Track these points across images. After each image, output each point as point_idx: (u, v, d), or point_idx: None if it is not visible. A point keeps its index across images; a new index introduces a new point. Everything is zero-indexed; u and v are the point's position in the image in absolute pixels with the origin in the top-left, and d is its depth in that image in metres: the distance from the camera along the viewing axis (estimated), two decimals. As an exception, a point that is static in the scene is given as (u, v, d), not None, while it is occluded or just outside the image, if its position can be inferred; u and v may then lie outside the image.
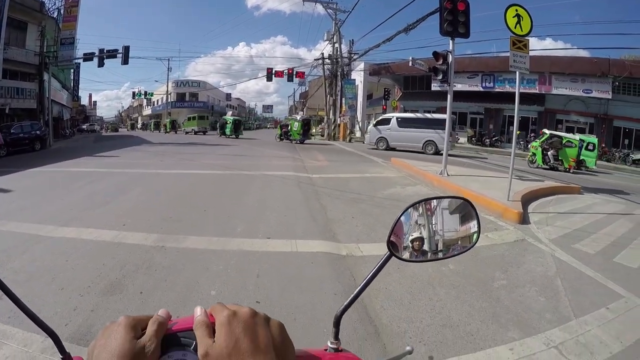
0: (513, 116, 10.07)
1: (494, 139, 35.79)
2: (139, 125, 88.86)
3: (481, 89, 36.11)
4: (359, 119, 44.42)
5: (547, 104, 35.25)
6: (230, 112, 46.17)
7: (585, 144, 21.69)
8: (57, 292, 4.13)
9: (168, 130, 56.11)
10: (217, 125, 45.07)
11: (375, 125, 29.60)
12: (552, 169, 20.11)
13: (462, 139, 36.15)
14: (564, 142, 20.89)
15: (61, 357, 0.96)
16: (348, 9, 40.28)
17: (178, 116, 67.89)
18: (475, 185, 10.76)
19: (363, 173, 14.04)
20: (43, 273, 4.67)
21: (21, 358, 3.08)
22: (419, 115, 29.89)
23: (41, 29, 32.85)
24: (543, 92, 33.83)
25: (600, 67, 31.25)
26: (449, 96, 12.98)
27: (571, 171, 20.12)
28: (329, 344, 1.03)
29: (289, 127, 35.24)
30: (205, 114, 61.05)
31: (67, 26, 35.00)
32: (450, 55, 12.66)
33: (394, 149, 26.63)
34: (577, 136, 21.96)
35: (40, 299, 3.89)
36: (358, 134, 41.42)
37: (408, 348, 1.08)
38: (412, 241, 1.12)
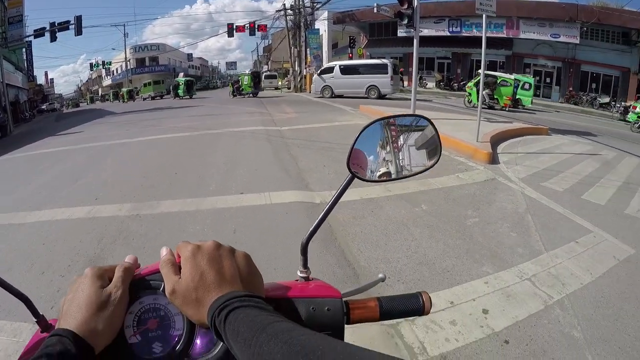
0: (481, 60, 10.08)
1: (462, 83, 35.73)
2: (98, 97, 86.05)
3: (448, 34, 35.86)
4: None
5: (515, 48, 35.28)
6: (182, 74, 46.38)
7: (521, 84, 23.05)
8: (38, 277, 4.08)
9: (126, 99, 51.56)
10: (171, 87, 45.27)
11: (319, 75, 29.59)
12: (490, 107, 20.74)
13: (430, 84, 36.72)
14: (499, 81, 21.99)
15: (35, 320, 0.95)
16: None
17: (140, 82, 65.71)
18: (445, 127, 10.82)
19: (332, 122, 13.97)
20: (22, 260, 4.58)
21: (13, 349, 3.05)
22: (359, 61, 30.90)
23: None
24: (511, 37, 33.83)
25: (569, 12, 31.45)
26: (415, 41, 12.77)
27: (507, 109, 21.09)
28: (298, 272, 1.03)
29: (240, 82, 35.97)
30: (160, 79, 59.23)
31: (12, 3, 33.14)
32: (415, 0, 12.48)
33: (341, 96, 27.10)
34: (513, 75, 23.11)
35: (23, 287, 3.73)
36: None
37: (380, 275, 1.08)
38: (380, 177, 1.11)
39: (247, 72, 38.01)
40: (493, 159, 8.14)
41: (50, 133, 20.92)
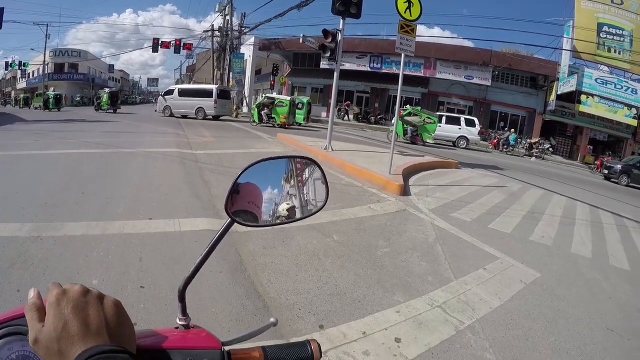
0: (397, 96, 10.51)
1: (378, 116, 37.37)
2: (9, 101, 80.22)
3: (369, 69, 37.44)
4: (247, 95, 43.69)
5: (430, 86, 37.51)
6: (108, 90, 44.73)
7: (295, 104, 27.95)
8: None
9: (50, 107, 47.32)
10: (94, 99, 44.82)
11: (163, 95, 34.06)
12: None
13: (350, 116, 37.52)
14: (276, 102, 26.41)
15: None
16: (243, -20, 39.20)
17: (56, 89, 62.49)
18: (359, 159, 11.11)
19: (249, 148, 13.96)
20: None
21: None
22: (194, 86, 37.09)
23: None
24: (427, 76, 36.06)
25: (483, 57, 34.40)
26: (335, 74, 13.20)
27: (286, 127, 25.31)
28: (177, 320, 0.99)
29: (100, 99, 39.70)
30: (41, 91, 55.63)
31: None
32: (339, 34, 12.86)
33: (183, 116, 31.14)
34: (288, 97, 27.73)
35: None
36: (245, 109, 40.80)
37: (272, 320, 1.05)
38: (287, 210, 1.11)
39: (106, 90, 40.51)
40: (404, 191, 8.41)
41: None
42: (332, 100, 13.74)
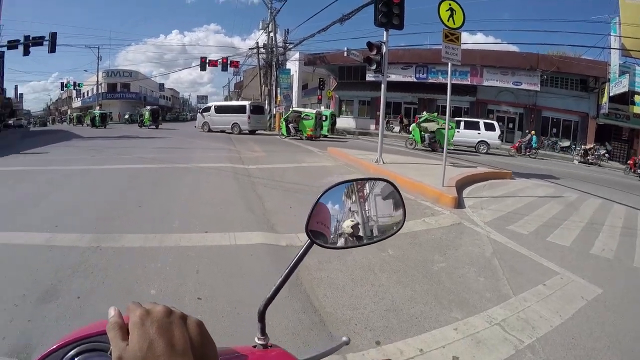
0: (446, 106, 10.35)
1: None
2: (64, 119, 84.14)
3: (415, 80, 36.95)
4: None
5: (479, 94, 36.63)
6: (149, 108, 46.99)
7: (321, 117, 28.28)
8: None
9: (97, 124, 47.16)
10: (137, 117, 48.67)
11: (201, 112, 36.47)
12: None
13: (396, 128, 37.60)
14: (302, 115, 27.22)
15: None
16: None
17: (109, 107, 65.07)
18: (411, 172, 10.97)
19: (300, 163, 14.02)
20: None
21: None
22: (229, 103, 39.33)
23: None
24: (474, 84, 35.27)
25: (529, 61, 33.27)
26: (382, 86, 13.18)
27: (312, 139, 25.90)
28: (256, 339, 1.01)
29: (143, 117, 43.96)
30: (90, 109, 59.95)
31: None
32: (384, 46, 12.81)
33: (220, 131, 32.69)
34: (314, 111, 28.15)
35: None
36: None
37: (344, 339, 1.04)
38: (352, 227, 1.09)
39: (147, 108, 44.83)
40: (459, 204, 8.24)
41: (16, 150, 20.38)
42: (381, 113, 13.68)
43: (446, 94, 9.90)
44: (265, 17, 40.93)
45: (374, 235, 1.13)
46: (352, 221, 1.10)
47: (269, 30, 39.88)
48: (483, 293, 4.20)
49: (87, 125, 49.97)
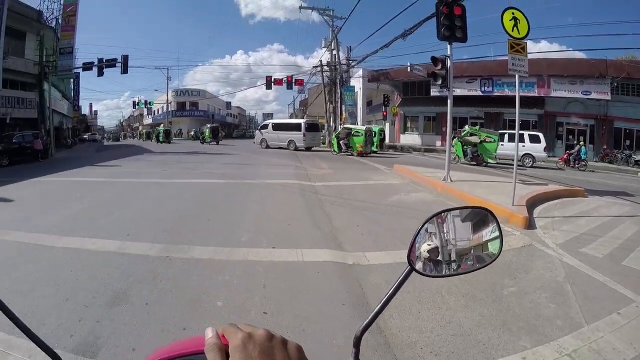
0: (513, 120, 10.05)
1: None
2: (133, 135, 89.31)
3: (480, 94, 35.86)
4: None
5: (546, 106, 34.83)
6: (209, 125, 50.49)
7: (371, 133, 28.85)
8: (61, 302, 4.10)
9: (161, 140, 52.10)
10: (199, 134, 51.82)
11: (259, 129, 39.11)
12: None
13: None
14: (352, 132, 28.21)
15: None
16: (345, 15, 40.06)
17: (179, 125, 67.92)
18: (479, 190, 10.70)
19: (366, 180, 14.01)
20: (47, 283, 4.65)
21: None
22: (285, 121, 41.25)
23: (40, 38, 32.93)
24: (542, 95, 33.58)
25: (598, 68, 31.08)
26: (449, 101, 12.83)
27: (363, 155, 26.82)
28: None
29: (204, 134, 47.58)
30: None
31: (65, 35, 35.23)
32: (448, 60, 12.54)
33: (276, 148, 34.59)
34: (364, 127, 29.18)
35: (45, 310, 3.88)
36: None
37: None
38: (428, 251, 1.07)
39: (208, 125, 46.34)
40: (529, 224, 7.93)
41: (90, 162, 21.88)
42: (448, 129, 13.34)
43: (513, 107, 9.59)
44: (327, 36, 41.40)
45: (452, 259, 1.11)
46: (429, 245, 1.08)
47: (332, 48, 40.18)
48: (554, 320, 4.03)
49: (153, 140, 54.50)
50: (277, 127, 36.71)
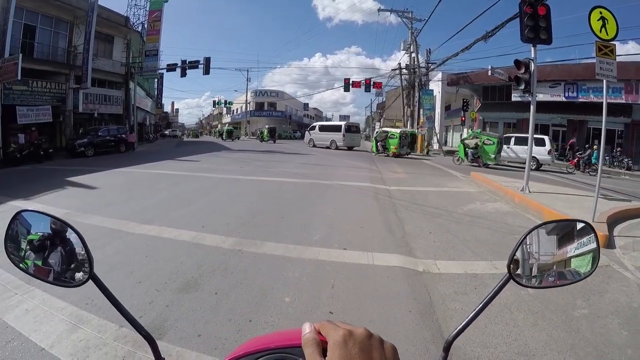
0: (597, 129, 9.59)
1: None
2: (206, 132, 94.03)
3: (564, 99, 33.06)
4: (437, 131, 43.38)
5: (634, 115, 31.16)
6: (267, 127, 54.88)
7: (406, 136, 30.84)
8: (134, 285, 4.43)
9: (225, 138, 58.91)
10: (259, 133, 56.58)
11: (308, 130, 43.95)
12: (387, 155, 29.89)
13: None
14: (389, 135, 30.84)
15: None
16: (424, 17, 39.55)
17: (257, 125, 70.13)
18: (558, 203, 10.26)
19: (441, 187, 13.78)
20: (123, 266, 5.02)
21: (94, 343, 3.27)
22: (329, 123, 47.59)
23: (127, 41, 35.85)
24: (630, 102, 30.23)
25: None
26: (531, 107, 12.20)
27: (398, 156, 29.32)
28: None
29: (262, 134, 52.46)
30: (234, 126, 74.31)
31: (150, 39, 37.19)
32: (532, 64, 12.03)
33: (317, 146, 39.59)
34: (399, 130, 31.36)
35: (118, 290, 4.16)
36: (436, 146, 40.35)
37: None
38: (514, 254, 1.07)
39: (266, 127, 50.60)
40: (609, 243, 7.52)
41: (170, 157, 23.02)
42: (530, 136, 12.69)
43: (597, 114, 9.13)
44: (406, 38, 41.03)
45: (533, 274, 1.09)
46: (545, 264, 1.09)
47: (411, 51, 39.75)
48: (624, 350, 3.84)
49: (221, 138, 59.34)
50: (323, 128, 41.75)
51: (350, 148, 38.11)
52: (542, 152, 24.94)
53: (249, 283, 4.59)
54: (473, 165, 23.99)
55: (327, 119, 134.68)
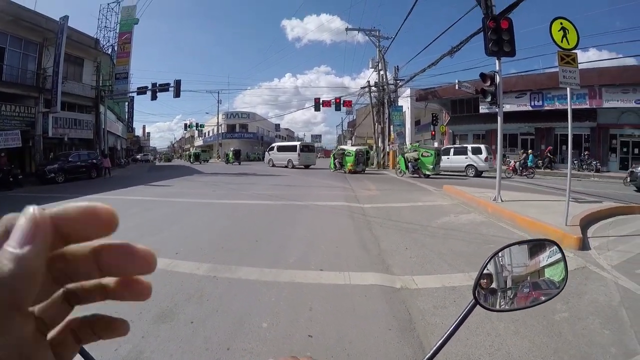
0: (565, 135, 9.80)
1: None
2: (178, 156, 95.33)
3: (530, 108, 34.57)
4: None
5: (599, 118, 32.56)
6: (232, 148, 59.32)
7: (363, 154, 32.80)
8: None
9: (192, 161, 62.67)
10: (225, 155, 59.75)
11: (268, 151, 46.83)
12: (344, 172, 31.85)
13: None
14: (345, 152, 32.93)
15: None
16: (391, 35, 40.22)
17: (229, 147, 70.54)
18: (531, 210, 10.37)
19: (415, 202, 13.81)
20: None
21: None
22: (285, 144, 48.52)
23: (97, 64, 35.67)
24: (594, 107, 31.65)
25: None
26: (499, 118, 12.50)
27: (353, 172, 30.88)
28: None
29: (228, 155, 55.69)
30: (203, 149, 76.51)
31: (121, 62, 37.28)
32: (497, 76, 12.32)
33: (276, 166, 42.48)
34: (354, 149, 33.39)
35: None
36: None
37: None
38: (480, 279, 1.06)
39: (231, 149, 53.61)
40: (583, 244, 7.61)
41: (143, 182, 22.85)
42: (498, 147, 12.96)
43: (564, 121, 9.35)
44: (374, 56, 41.70)
45: (508, 286, 1.08)
46: (486, 272, 1.07)
47: (379, 68, 40.42)
48: (608, 348, 3.85)
49: (189, 161, 62.33)
50: (280, 148, 44.66)
51: (307, 166, 41.11)
52: (480, 160, 27.64)
53: (225, 310, 4.48)
54: (414, 177, 26.17)
55: (299, 139, 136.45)
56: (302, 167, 40.55)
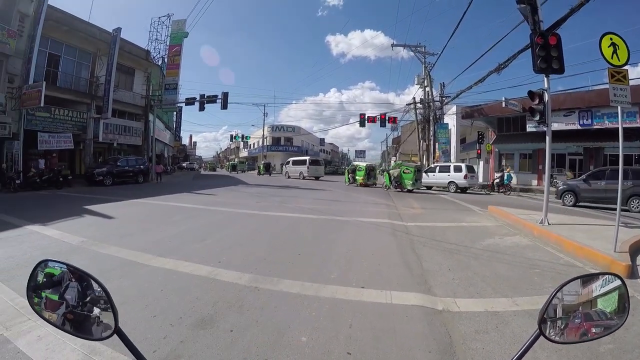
0: (614, 155, 9.42)
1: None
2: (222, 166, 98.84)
3: (579, 127, 32.50)
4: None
5: None
6: (264, 162, 62.90)
7: (372, 169, 37.11)
8: (149, 318, 4.39)
9: (230, 171, 69.81)
10: (257, 167, 65.71)
11: (285, 165, 55.36)
12: (356, 185, 35.96)
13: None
14: (357, 168, 37.32)
15: None
16: (437, 51, 40.00)
17: (274, 159, 73.23)
18: (578, 235, 10.04)
19: (459, 222, 13.58)
20: (137, 298, 5.00)
21: None
22: (297, 158, 54.84)
23: (147, 74, 37.24)
24: None
25: None
26: (547, 138, 12.07)
27: (365, 186, 34.85)
28: None
29: (259, 167, 60.60)
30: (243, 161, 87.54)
31: (170, 73, 38.38)
32: (546, 94, 12.00)
33: (291, 177, 49.39)
34: (365, 164, 38.12)
35: (132, 323, 4.17)
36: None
37: None
38: (546, 310, 1.09)
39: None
40: (632, 273, 7.32)
41: (187, 189, 23.38)
42: (547, 167, 12.45)
43: (613, 141, 9.03)
44: (419, 72, 41.58)
45: (558, 316, 1.10)
46: (574, 318, 1.10)
47: (425, 85, 40.23)
48: (653, 386, 3.71)
49: (228, 171, 66.72)
50: (294, 162, 52.03)
51: (317, 178, 48.47)
52: (459, 177, 30.47)
53: (265, 321, 4.52)
54: (397, 191, 29.46)
55: (344, 154, 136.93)
56: (313, 178, 47.97)
